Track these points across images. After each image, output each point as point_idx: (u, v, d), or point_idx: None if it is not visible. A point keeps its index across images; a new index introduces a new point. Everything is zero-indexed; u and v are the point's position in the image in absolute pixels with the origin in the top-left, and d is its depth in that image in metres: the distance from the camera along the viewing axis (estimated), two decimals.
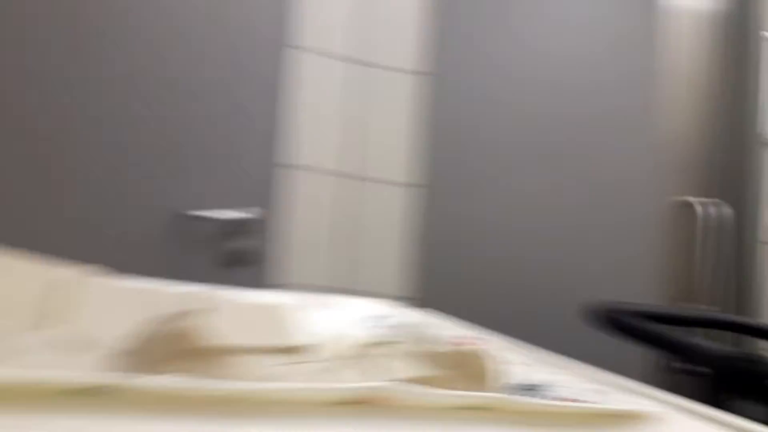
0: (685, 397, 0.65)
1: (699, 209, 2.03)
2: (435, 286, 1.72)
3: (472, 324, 0.94)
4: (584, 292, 1.67)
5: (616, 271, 1.87)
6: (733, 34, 2.11)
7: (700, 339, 0.86)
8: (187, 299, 0.77)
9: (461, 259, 1.78)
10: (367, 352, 0.64)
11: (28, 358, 0.51)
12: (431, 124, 1.72)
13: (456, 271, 1.76)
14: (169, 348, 0.51)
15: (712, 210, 2.03)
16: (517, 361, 0.64)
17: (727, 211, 2.04)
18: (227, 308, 0.77)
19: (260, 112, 1.55)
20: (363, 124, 1.68)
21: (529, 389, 0.59)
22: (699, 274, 2.01)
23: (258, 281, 1.53)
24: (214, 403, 0.31)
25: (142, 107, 1.44)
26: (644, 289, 1.87)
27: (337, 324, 0.81)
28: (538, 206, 1.85)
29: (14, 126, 1.33)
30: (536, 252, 1.84)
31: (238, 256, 1.52)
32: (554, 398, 0.56)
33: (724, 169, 2.09)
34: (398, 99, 1.71)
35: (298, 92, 1.59)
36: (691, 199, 2.06)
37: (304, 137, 1.60)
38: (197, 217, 1.45)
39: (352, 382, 0.57)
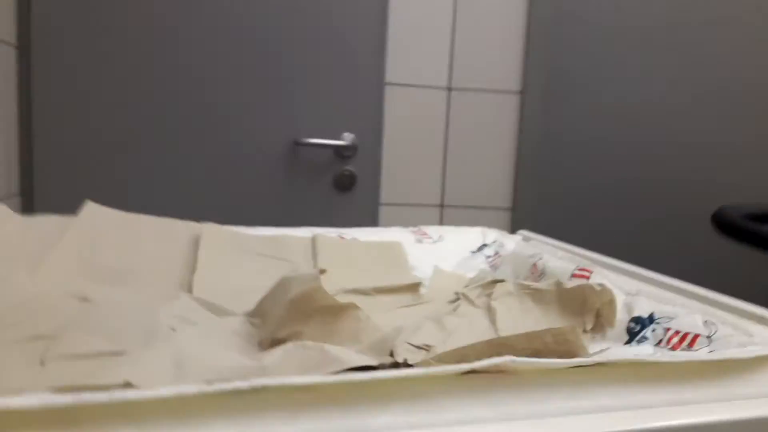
0: None
1: None
2: (537, 198, 1.70)
3: (571, 243, 0.94)
4: (708, 202, 1.58)
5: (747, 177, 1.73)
6: None
7: None
8: (311, 244, 0.84)
9: (565, 170, 1.73)
10: (480, 291, 0.67)
11: (186, 320, 0.60)
12: (527, 30, 1.63)
13: (558, 182, 1.73)
14: (299, 309, 0.57)
15: None
16: (630, 290, 0.65)
17: None
18: (342, 252, 0.83)
19: (366, 33, 1.55)
20: (465, 37, 1.62)
21: (641, 322, 0.60)
22: None
23: (368, 201, 1.60)
24: (348, 392, 0.36)
25: (257, 44, 1.49)
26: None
27: (443, 259, 0.85)
28: (655, 105, 1.72)
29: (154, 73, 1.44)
30: (649, 161, 1.74)
31: (347, 180, 1.59)
32: (670, 332, 0.57)
33: None
34: (501, 14, 1.62)
35: (399, 10, 1.56)
36: None
37: (407, 54, 1.60)
38: (313, 144, 1.53)
39: (472, 325, 0.62)
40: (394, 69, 1.61)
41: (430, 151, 1.66)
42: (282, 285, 0.60)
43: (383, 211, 1.65)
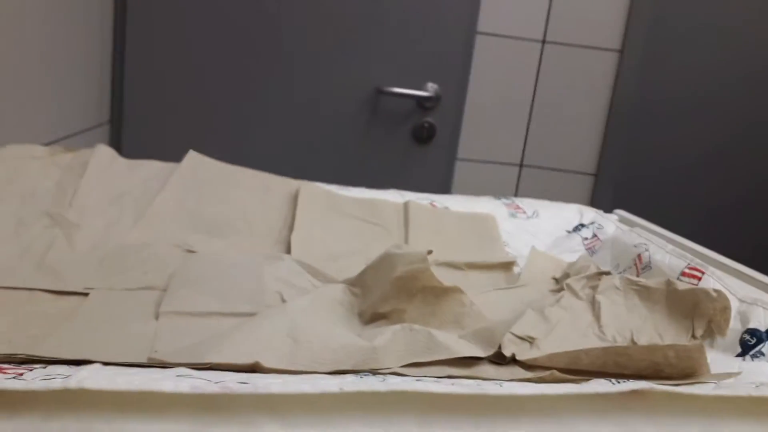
0: None
1: None
2: (623, 166, 1.62)
3: (657, 222, 0.89)
4: None
5: None
6: None
7: None
8: (402, 210, 0.83)
9: (658, 139, 1.64)
10: (584, 282, 0.65)
11: (291, 284, 0.61)
12: None
13: (650, 151, 1.64)
14: (404, 287, 0.56)
15: None
16: (746, 296, 0.61)
17: None
18: (434, 222, 0.82)
19: None
20: None
21: (758, 335, 0.57)
22: None
23: (445, 155, 1.57)
24: (472, 403, 0.35)
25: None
26: None
27: (537, 236, 0.83)
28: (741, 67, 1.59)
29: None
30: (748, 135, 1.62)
31: (426, 132, 1.55)
32: None
33: None
34: None
35: None
36: None
37: (502, 3, 1.52)
38: (394, 93, 1.49)
39: (577, 319, 0.60)
40: (487, 18, 1.53)
41: (515, 108, 1.60)
42: (387, 260, 0.59)
43: (459, 166, 1.62)
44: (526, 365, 0.50)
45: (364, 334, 0.52)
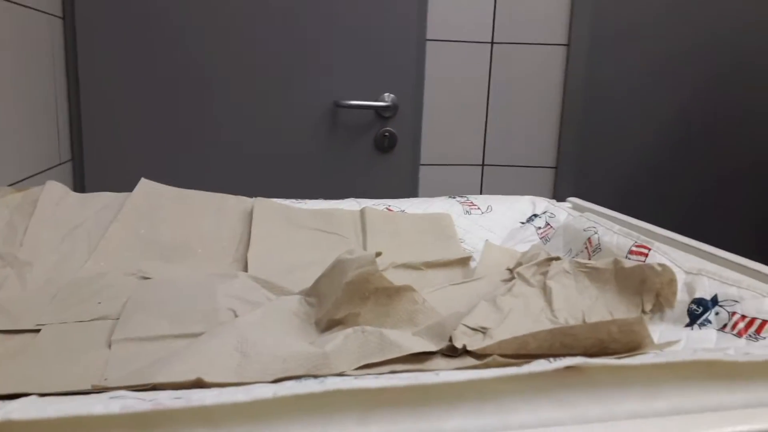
0: None
1: None
2: (581, 157, 1.65)
3: (616, 207, 0.91)
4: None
5: None
6: None
7: None
8: (359, 217, 0.84)
9: (611, 127, 1.67)
10: (535, 269, 0.66)
11: (249, 300, 0.61)
12: None
13: (604, 140, 1.67)
14: (355, 292, 0.57)
15: None
16: (690, 268, 0.63)
17: None
18: (390, 226, 0.82)
19: None
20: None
21: (703, 304, 0.58)
22: None
23: (409, 162, 1.59)
24: (421, 392, 0.36)
25: (295, 3, 1.46)
26: None
27: (492, 231, 0.84)
28: (685, 71, 1.63)
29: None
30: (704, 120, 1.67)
31: (387, 140, 1.57)
32: (735, 317, 0.55)
33: None
34: None
35: None
36: None
37: (449, 9, 1.55)
38: (353, 105, 1.50)
39: (529, 305, 0.61)
40: (435, 24, 1.56)
41: (471, 109, 1.62)
42: (338, 266, 0.60)
43: (424, 172, 1.63)
44: (478, 355, 0.50)
45: (317, 342, 0.52)
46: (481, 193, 1.66)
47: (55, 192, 0.78)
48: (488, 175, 1.67)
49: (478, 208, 0.88)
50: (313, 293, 0.62)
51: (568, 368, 0.40)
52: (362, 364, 0.48)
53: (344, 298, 0.58)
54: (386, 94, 1.55)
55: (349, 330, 0.51)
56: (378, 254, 0.58)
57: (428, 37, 1.56)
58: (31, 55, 1.19)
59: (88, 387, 0.44)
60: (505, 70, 1.61)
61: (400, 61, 1.53)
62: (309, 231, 0.79)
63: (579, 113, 1.63)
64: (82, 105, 1.42)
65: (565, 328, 0.50)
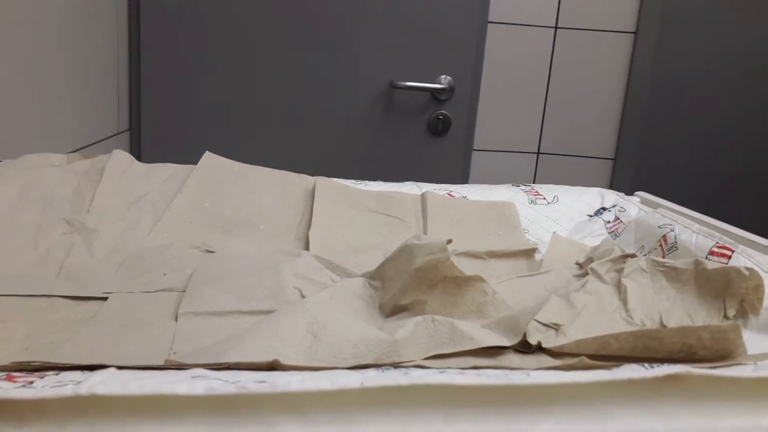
0: None
1: None
2: (642, 149, 1.59)
3: (681, 203, 0.87)
4: None
5: None
6: None
7: None
8: (420, 201, 0.82)
9: (676, 120, 1.60)
10: (609, 266, 0.63)
11: (310, 280, 0.60)
12: None
13: (668, 133, 1.60)
14: (424, 278, 0.55)
15: None
16: None
17: None
18: (452, 212, 0.80)
19: None
20: None
21: None
22: None
23: (462, 146, 1.55)
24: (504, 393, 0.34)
25: None
26: None
27: (558, 222, 0.81)
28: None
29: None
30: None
31: (441, 124, 1.54)
32: None
33: None
34: None
35: None
36: None
37: None
38: (408, 87, 1.48)
39: (603, 304, 0.59)
40: (498, 6, 1.51)
41: (530, 95, 1.58)
42: (406, 251, 0.58)
43: (476, 157, 1.60)
44: (553, 353, 0.48)
45: (385, 327, 0.51)
46: (534, 182, 1.62)
47: (122, 161, 0.79)
48: (543, 164, 1.62)
49: (544, 198, 0.85)
50: (378, 277, 0.60)
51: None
52: (433, 354, 0.47)
53: (412, 284, 0.56)
54: (443, 77, 1.52)
55: (419, 318, 0.50)
56: (449, 242, 0.56)
57: (490, 19, 1.52)
58: (94, 22, 1.20)
59: (159, 361, 0.44)
60: (567, 57, 1.56)
61: (460, 43, 1.49)
62: (370, 213, 0.77)
63: (642, 104, 1.56)
64: (142, 74, 1.43)
65: (650, 331, 0.47)
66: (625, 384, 0.36)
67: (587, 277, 0.61)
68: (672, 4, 1.53)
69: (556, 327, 0.53)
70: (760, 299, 0.57)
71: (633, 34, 1.54)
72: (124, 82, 1.41)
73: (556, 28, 1.54)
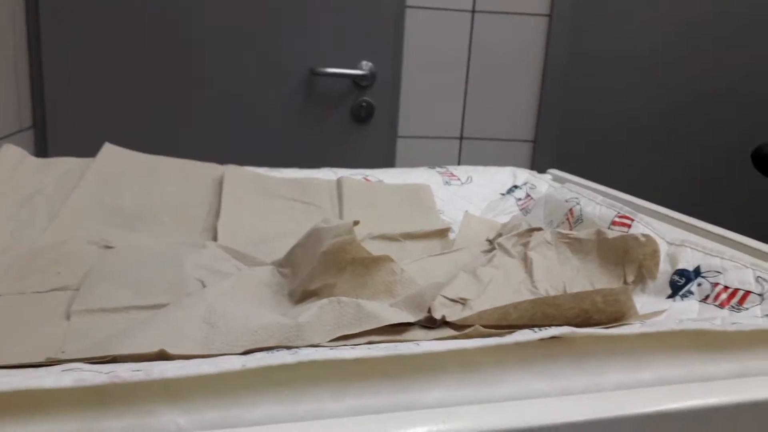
0: None
1: None
2: (561, 130, 1.64)
3: (597, 182, 0.90)
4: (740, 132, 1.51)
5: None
6: None
7: None
8: (335, 187, 0.81)
9: (593, 101, 1.66)
10: (516, 240, 0.64)
11: (217, 270, 0.58)
12: None
13: (586, 113, 1.66)
14: (332, 262, 0.54)
15: None
16: (674, 239, 0.62)
17: None
18: (368, 196, 0.80)
19: None
20: None
21: (686, 275, 0.57)
22: None
23: (386, 133, 1.56)
24: (393, 365, 0.34)
25: None
26: None
27: (472, 202, 0.82)
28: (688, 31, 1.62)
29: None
30: (674, 90, 1.66)
31: (364, 111, 1.53)
32: (717, 288, 0.54)
33: None
34: None
35: None
36: None
37: None
38: (329, 74, 1.46)
39: (510, 276, 0.60)
40: None
41: (451, 80, 1.59)
42: (314, 236, 0.57)
43: (401, 144, 1.60)
44: (457, 326, 0.49)
45: (290, 313, 0.50)
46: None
47: (12, 156, 0.74)
48: (467, 148, 1.65)
49: (458, 179, 0.86)
50: (287, 264, 0.59)
51: (552, 339, 0.38)
52: (338, 335, 0.46)
53: (320, 268, 0.55)
54: (364, 63, 1.51)
55: (325, 301, 0.49)
56: (356, 223, 0.56)
57: (408, 3, 1.52)
58: None
59: (42, 360, 0.42)
60: (485, 40, 1.58)
61: (379, 28, 1.49)
62: (283, 200, 0.76)
63: (559, 87, 1.61)
64: (44, 69, 1.35)
65: (547, 298, 0.48)
66: (514, 349, 0.37)
67: (494, 252, 0.62)
68: None
69: (462, 301, 0.54)
70: (657, 264, 0.60)
71: (548, 17, 1.58)
72: (24, 77, 1.33)
73: (473, 12, 1.56)
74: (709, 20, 1.66)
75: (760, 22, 1.68)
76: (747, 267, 0.55)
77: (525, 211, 0.80)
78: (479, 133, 1.64)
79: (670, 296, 0.56)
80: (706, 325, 0.39)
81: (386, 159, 1.55)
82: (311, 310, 0.48)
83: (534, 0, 1.58)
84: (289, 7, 1.44)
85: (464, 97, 1.61)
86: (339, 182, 0.81)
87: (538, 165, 1.61)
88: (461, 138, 1.64)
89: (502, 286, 0.58)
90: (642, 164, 1.72)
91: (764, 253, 0.59)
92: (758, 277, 0.54)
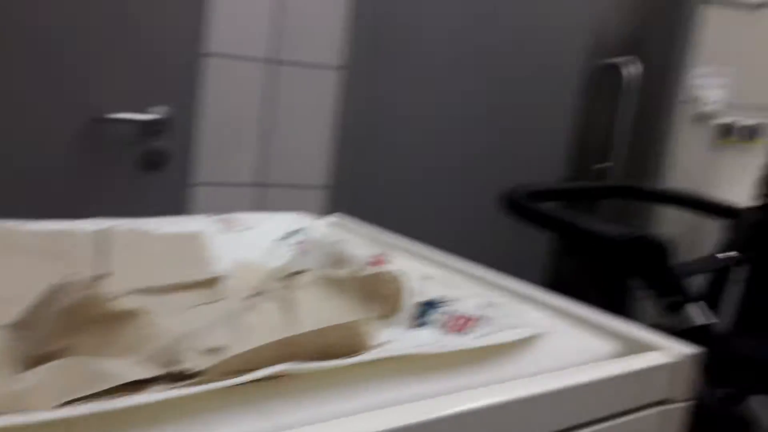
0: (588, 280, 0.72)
1: (623, 70, 2.07)
2: (351, 174, 1.74)
3: (382, 225, 0.98)
4: (508, 177, 1.73)
5: (539, 145, 1.93)
6: None
7: (596, 220, 0.92)
8: (99, 239, 0.77)
9: (378, 147, 1.79)
10: (280, 285, 0.66)
11: None
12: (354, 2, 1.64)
13: (372, 160, 1.78)
14: (72, 320, 0.51)
15: (632, 69, 2.07)
16: (421, 276, 0.69)
17: (642, 69, 2.08)
18: (135, 247, 0.77)
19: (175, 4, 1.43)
20: (289, 7, 1.58)
21: (429, 306, 0.64)
22: (615, 135, 2.10)
23: (180, 182, 1.52)
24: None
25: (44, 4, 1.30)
26: (562, 159, 1.96)
27: (249, 249, 0.83)
28: (457, 89, 1.84)
29: None
30: (458, 138, 1.87)
31: (156, 158, 1.48)
32: (451, 316, 0.61)
33: (652, 27, 2.09)
34: None
35: None
36: (616, 60, 2.08)
37: (227, 23, 1.51)
38: (115, 120, 1.39)
39: (270, 320, 0.61)
40: (214, 38, 1.52)
41: (248, 127, 1.61)
42: (53, 292, 0.54)
43: (196, 192, 1.57)
44: (206, 375, 0.48)
45: (15, 379, 0.45)
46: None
47: None
48: (262, 196, 1.67)
49: (238, 226, 0.87)
50: (22, 326, 0.54)
51: (280, 377, 0.40)
52: (71, 398, 0.43)
53: (58, 327, 0.52)
54: (157, 108, 1.46)
55: (56, 362, 0.46)
56: (101, 276, 0.53)
57: (206, 50, 1.51)
58: None
59: None
60: (282, 89, 1.63)
61: (173, 73, 1.46)
62: (32, 257, 0.70)
63: (353, 134, 1.71)
64: None
65: (291, 337, 0.50)
66: (236, 391, 0.38)
67: (257, 297, 0.64)
68: (376, 40, 1.71)
69: (216, 351, 0.54)
70: (401, 298, 0.66)
71: (341, 68, 1.68)
72: None
73: (271, 61, 1.60)
74: (485, 89, 1.89)
75: (524, 93, 1.95)
76: (476, 296, 0.63)
77: (302, 255, 0.83)
78: (277, 180, 1.67)
79: (414, 327, 0.62)
80: (412, 350, 0.43)
81: (179, 208, 1.50)
82: (39, 373, 0.44)
83: (329, 52, 1.67)
84: (74, 49, 1.35)
85: (262, 145, 1.64)
86: (103, 233, 0.77)
87: (332, 210, 1.68)
88: (259, 185, 1.65)
89: (264, 331, 0.59)
90: (424, 208, 1.88)
91: (495, 283, 0.68)
92: (483, 303, 0.62)
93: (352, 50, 1.65)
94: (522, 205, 0.99)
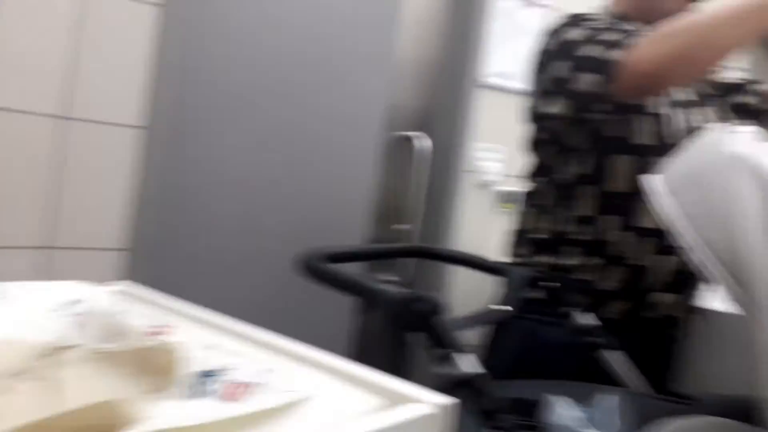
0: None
1: (416, 143, 2.30)
2: (153, 237, 1.69)
3: (183, 288, 0.97)
4: (315, 239, 1.80)
5: (342, 209, 2.05)
6: None
7: (378, 281, 1.01)
8: None
9: (180, 208, 1.77)
10: (46, 362, 0.63)
11: None
12: (155, 60, 1.62)
13: (175, 221, 1.75)
14: None
15: (423, 143, 2.31)
16: (205, 345, 0.70)
17: (432, 143, 2.33)
18: None
19: None
20: (84, 64, 1.51)
21: (207, 376, 0.65)
22: (410, 200, 2.31)
23: None
24: None
25: None
26: (364, 222, 2.10)
27: (14, 324, 0.78)
28: (266, 149, 1.90)
29: None
30: (263, 201, 1.91)
31: None
32: (229, 384, 0.63)
33: (438, 107, 2.36)
34: (123, 33, 1.56)
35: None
36: (409, 133, 2.31)
37: (11, 76, 1.40)
38: None
39: (28, 403, 0.57)
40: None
41: (42, 187, 1.49)
42: None
43: None
44: None
45: None
46: (51, 279, 1.52)
47: None
48: (57, 258, 1.54)
49: (4, 297, 0.80)
50: None
51: None
52: None
53: None
54: None
55: None
56: None
57: None
58: None
59: None
60: (78, 147, 1.55)
61: None
62: None
63: (156, 196, 1.66)
64: None
65: (52, 417, 0.49)
66: None
67: (18, 377, 0.60)
68: (178, 101, 1.70)
69: None
70: (177, 369, 0.66)
71: (141, 128, 1.64)
72: None
73: (62, 118, 1.51)
74: (290, 156, 1.96)
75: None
76: (257, 362, 0.66)
77: (78, 327, 0.79)
78: (67, 243, 1.55)
79: (188, 398, 0.63)
80: (177, 422, 0.45)
81: None
82: None
83: (129, 111, 1.63)
84: None
85: (55, 205, 1.52)
86: None
87: (132, 274, 1.60)
88: (45, 248, 1.53)
89: (24, 415, 0.56)
90: (228, 271, 1.88)
91: (281, 348, 0.72)
92: (263, 369, 0.65)
93: (154, 109, 1.63)
94: (315, 267, 1.06)
